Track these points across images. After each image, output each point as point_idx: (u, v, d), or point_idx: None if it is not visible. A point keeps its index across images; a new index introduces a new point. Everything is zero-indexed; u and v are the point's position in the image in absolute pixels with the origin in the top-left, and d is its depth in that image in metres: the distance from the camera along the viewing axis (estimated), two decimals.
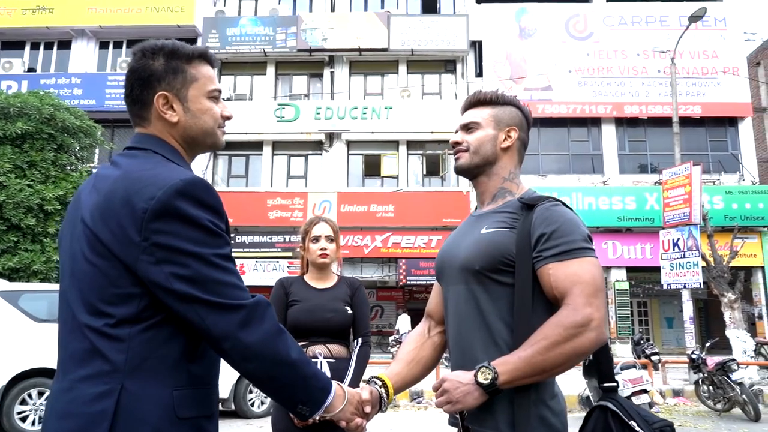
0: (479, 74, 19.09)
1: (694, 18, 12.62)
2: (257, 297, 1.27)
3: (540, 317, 1.47)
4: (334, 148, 18.91)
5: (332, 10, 19.89)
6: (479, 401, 1.42)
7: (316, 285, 2.86)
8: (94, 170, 13.02)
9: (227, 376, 7.25)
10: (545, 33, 18.98)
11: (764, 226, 17.36)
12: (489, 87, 18.17)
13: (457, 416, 1.56)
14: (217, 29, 19.02)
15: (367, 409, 1.54)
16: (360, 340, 2.82)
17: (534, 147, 18.51)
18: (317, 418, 2.53)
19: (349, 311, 2.80)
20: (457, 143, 1.72)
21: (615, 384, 1.56)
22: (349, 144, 18.98)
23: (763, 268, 17.47)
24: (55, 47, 19.84)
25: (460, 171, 1.74)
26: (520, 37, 19.04)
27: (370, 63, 19.58)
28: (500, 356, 1.44)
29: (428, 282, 18.42)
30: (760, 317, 17.37)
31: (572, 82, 18.57)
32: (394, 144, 19.02)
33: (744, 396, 8.29)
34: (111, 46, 19.83)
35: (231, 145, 18.86)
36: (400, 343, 17.43)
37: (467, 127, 1.72)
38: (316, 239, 2.85)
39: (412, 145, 19.04)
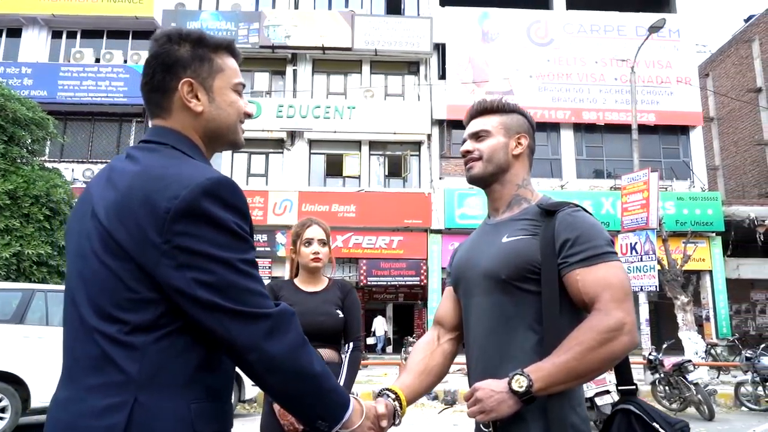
0: (442, 76, 19.21)
1: (654, 28, 12.99)
2: (282, 305, 1.19)
3: (568, 324, 1.46)
4: (295, 147, 18.72)
5: (296, 7, 19.68)
6: (513, 409, 1.39)
7: (307, 288, 2.79)
8: (46, 164, 12.54)
9: None
10: (507, 38, 19.24)
11: (712, 232, 18.02)
12: (454, 90, 18.39)
13: (488, 428, 1.52)
14: (177, 22, 18.53)
15: (383, 423, 1.48)
16: (351, 344, 2.76)
17: None
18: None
19: (341, 315, 2.74)
20: (468, 152, 1.71)
21: (634, 387, 1.54)
22: (311, 143, 18.82)
23: (710, 271, 18.13)
24: (4, 35, 19.00)
25: (473, 180, 1.72)
26: (482, 41, 19.25)
27: (334, 62, 19.47)
28: (530, 364, 1.42)
29: (389, 283, 18.45)
30: (707, 319, 18.02)
31: (533, 87, 18.88)
32: (357, 144, 18.96)
33: (699, 396, 8.56)
34: (64, 35, 19.11)
35: None
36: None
37: (477, 136, 1.71)
38: (309, 242, 2.78)
39: (374, 145, 19.01)
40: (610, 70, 18.93)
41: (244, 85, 1.37)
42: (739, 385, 9.86)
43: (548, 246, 1.50)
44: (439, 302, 1.87)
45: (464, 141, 1.74)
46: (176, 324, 1.13)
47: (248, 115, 1.37)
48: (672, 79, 19.00)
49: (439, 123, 18.87)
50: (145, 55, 17.08)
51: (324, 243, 2.81)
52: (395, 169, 19.08)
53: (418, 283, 18.18)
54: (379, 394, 1.61)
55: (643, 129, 18.09)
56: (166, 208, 1.09)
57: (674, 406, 9.12)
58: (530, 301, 1.51)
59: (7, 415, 6.41)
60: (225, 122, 1.31)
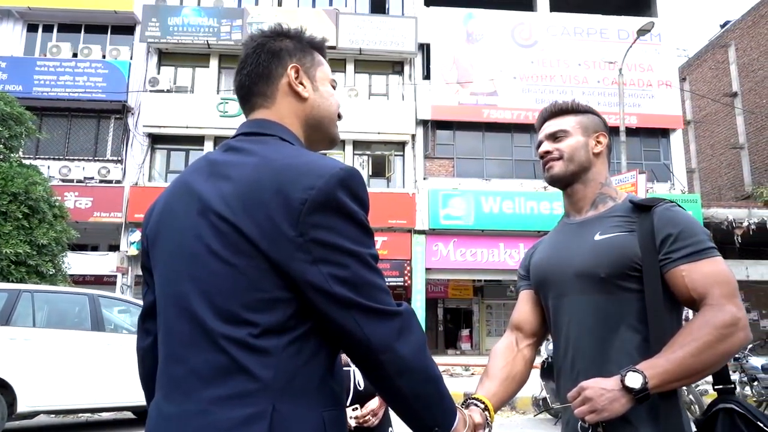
0: (427, 77, 19.17)
1: (642, 31, 13.13)
2: (404, 304, 1.12)
3: (671, 321, 1.46)
4: None
5: (279, 4, 19.48)
6: (626, 408, 1.34)
7: None
8: (24, 160, 12.15)
9: None
10: (492, 39, 19.29)
11: None
12: (439, 90, 18.39)
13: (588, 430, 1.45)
14: (158, 18, 18.21)
15: None
16: None
17: (478, 151, 18.79)
18: (353, 424, 2.38)
19: None
20: (547, 152, 1.68)
21: (732, 386, 1.51)
22: None
23: None
24: None
25: (554, 180, 1.69)
26: (467, 42, 19.27)
27: None
28: (635, 364, 1.38)
29: None
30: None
31: (517, 89, 18.96)
32: (340, 143, 18.77)
33: (690, 396, 8.60)
34: (40, 29, 18.58)
35: (170, 139, 18.15)
36: None
37: (554, 137, 1.68)
38: None
39: (358, 145, 18.90)
40: (593, 72, 19.11)
41: (336, 84, 1.36)
42: None
43: (648, 242, 1.46)
44: (515, 307, 1.82)
45: (540, 144, 1.72)
46: (306, 326, 1.06)
47: (339, 116, 1.35)
48: (653, 83, 19.26)
49: (424, 123, 18.84)
50: (124, 50, 16.63)
51: None
52: (379, 169, 18.98)
53: (402, 283, 18.10)
54: (466, 404, 1.53)
55: (626, 131, 18.31)
56: (301, 199, 1.03)
57: None
58: (631, 300, 1.47)
59: None
60: (327, 111, 1.30)
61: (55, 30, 18.62)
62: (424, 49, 19.30)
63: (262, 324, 1.02)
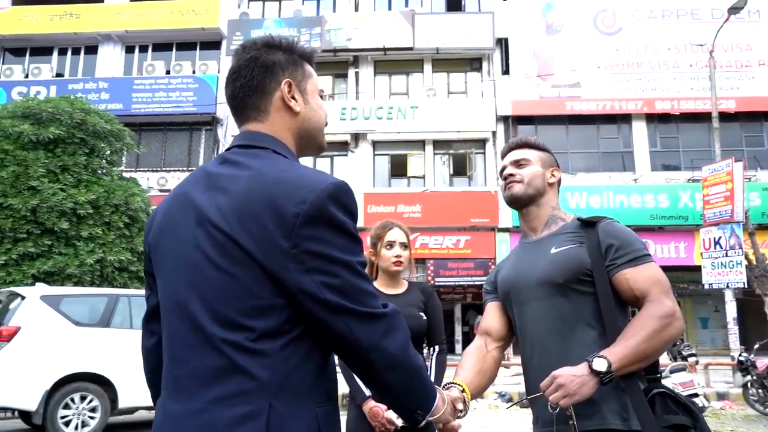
0: (506, 72, 18.85)
1: (734, 9, 12.28)
2: (390, 306, 1.22)
3: (621, 317, 1.74)
4: (359, 149, 18.80)
5: (356, 9, 19.80)
6: (594, 390, 1.55)
7: (388, 291, 2.78)
8: (125, 174, 13.07)
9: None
10: (573, 29, 18.69)
11: None
12: (519, 85, 18.05)
13: (558, 420, 1.62)
14: (242, 31, 19.00)
15: (459, 406, 1.65)
16: (437, 347, 2.79)
17: (562, 145, 18.22)
18: (399, 424, 2.44)
19: (424, 317, 2.73)
20: (510, 175, 1.95)
21: (659, 375, 1.75)
22: (375, 144, 18.86)
23: None
24: (82, 52, 19.99)
25: (513, 199, 1.95)
26: (547, 34, 18.78)
27: (395, 62, 19.45)
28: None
29: (456, 283, 18.26)
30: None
31: (601, 78, 18.26)
32: (420, 144, 18.86)
33: None
34: (137, 50, 19.94)
35: None
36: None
37: (518, 163, 1.96)
38: (390, 245, 2.77)
39: (438, 144, 18.87)
40: (685, 56, 18.06)
41: (324, 94, 1.45)
42: None
43: (596, 251, 1.76)
44: (483, 317, 2.07)
45: (503, 168, 1.99)
46: (299, 329, 1.14)
47: (326, 123, 1.42)
48: (753, 63, 17.95)
49: (504, 119, 18.53)
50: (212, 65, 17.44)
51: (405, 246, 2.80)
52: (460, 168, 18.86)
53: None
54: (446, 387, 1.75)
55: (723, 117, 17.12)
56: (294, 212, 1.10)
57: None
58: (585, 301, 1.75)
59: (97, 415, 6.69)
60: (317, 123, 1.36)
61: (149, 50, 19.89)
62: (502, 43, 18.99)
63: (259, 329, 1.10)
